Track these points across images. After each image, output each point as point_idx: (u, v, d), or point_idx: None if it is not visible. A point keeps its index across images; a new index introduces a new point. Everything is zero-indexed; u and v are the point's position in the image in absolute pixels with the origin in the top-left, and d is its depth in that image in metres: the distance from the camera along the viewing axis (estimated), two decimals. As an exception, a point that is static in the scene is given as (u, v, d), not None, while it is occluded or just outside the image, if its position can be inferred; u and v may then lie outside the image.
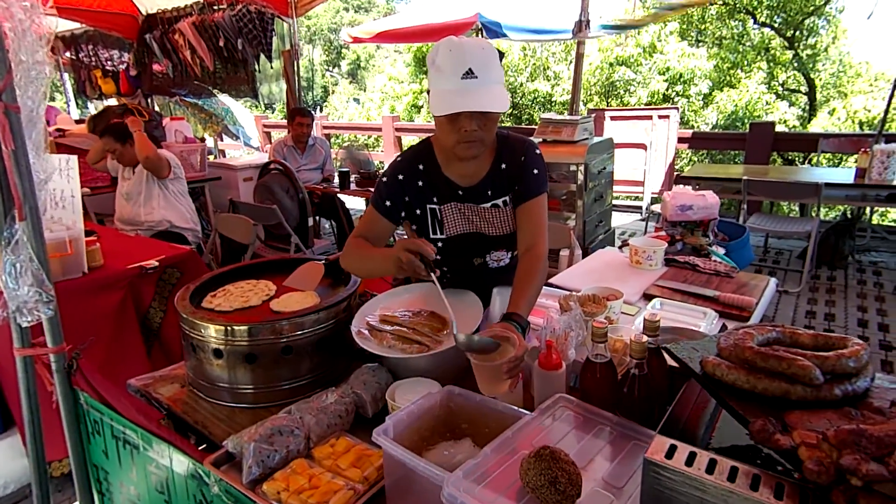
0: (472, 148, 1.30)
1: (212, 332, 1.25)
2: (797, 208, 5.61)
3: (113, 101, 7.31)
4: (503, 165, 1.43)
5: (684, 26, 9.94)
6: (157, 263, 2.11)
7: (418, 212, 1.44)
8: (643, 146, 5.57)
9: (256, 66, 5.69)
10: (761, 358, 0.68)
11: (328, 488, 0.93)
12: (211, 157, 6.60)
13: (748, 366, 0.69)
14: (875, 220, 5.14)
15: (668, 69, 8.28)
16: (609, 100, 9.02)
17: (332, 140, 9.89)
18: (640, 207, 5.66)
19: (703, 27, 10.26)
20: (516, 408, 0.98)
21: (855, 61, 10.74)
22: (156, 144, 3.44)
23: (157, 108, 6.87)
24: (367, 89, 18.63)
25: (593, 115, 5.88)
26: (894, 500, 0.48)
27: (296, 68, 5.31)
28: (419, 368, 1.21)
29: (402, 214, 1.44)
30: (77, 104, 8.27)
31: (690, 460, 0.60)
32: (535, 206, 1.41)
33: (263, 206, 3.21)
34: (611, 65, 8.50)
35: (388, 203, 1.41)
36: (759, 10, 9.81)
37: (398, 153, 1.52)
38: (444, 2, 4.81)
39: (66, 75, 7.62)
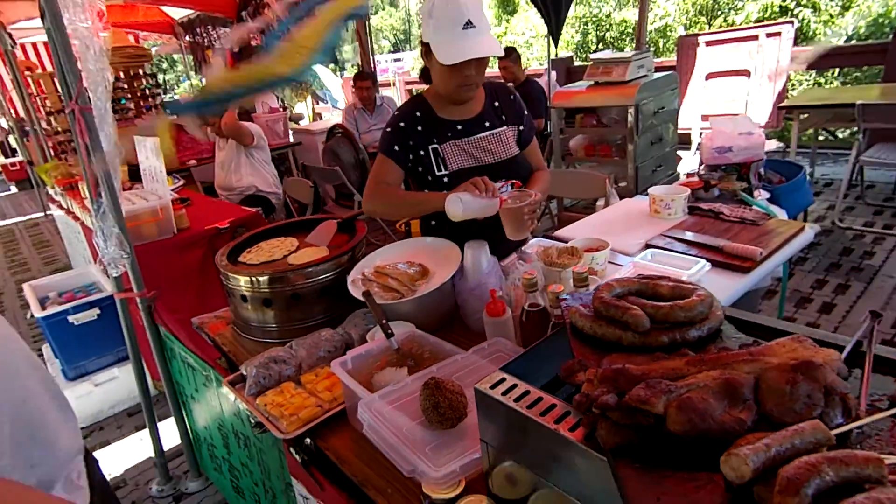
0: (471, 91, 1.50)
1: (240, 282, 1.52)
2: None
3: (223, 76, 8.12)
4: (496, 103, 1.62)
5: None
6: (228, 225, 2.48)
7: (422, 153, 1.58)
8: (746, 73, 4.92)
9: (336, 31, 5.98)
10: (605, 307, 0.73)
11: (301, 404, 1.15)
12: (304, 122, 7.15)
13: (596, 314, 0.75)
14: None
15: None
16: (709, 22, 7.87)
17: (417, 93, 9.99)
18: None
19: None
20: (458, 348, 1.11)
21: None
22: (246, 116, 3.85)
23: (257, 79, 7.51)
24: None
25: (682, 42, 5.33)
26: (623, 427, 0.55)
27: (367, 30, 5.47)
28: (399, 312, 1.37)
29: (410, 157, 1.58)
30: (200, 83, 9.33)
31: (509, 391, 0.70)
32: (535, 145, 1.71)
33: (329, 168, 3.50)
34: None
35: (396, 147, 1.57)
36: None
37: (402, 105, 1.67)
38: None
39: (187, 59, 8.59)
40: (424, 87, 1.65)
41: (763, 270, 1.44)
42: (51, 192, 4.04)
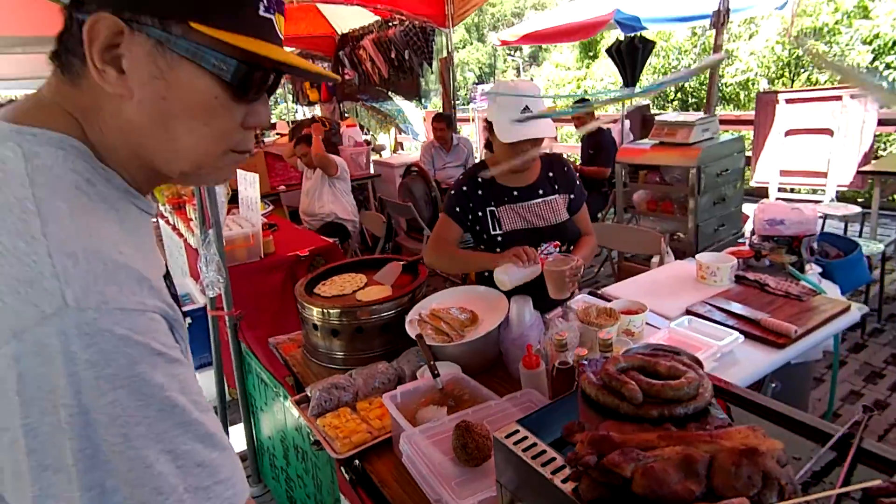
0: (527, 163, 1.70)
1: (313, 312, 1.76)
2: None
3: (318, 107, 8.92)
4: (550, 174, 1.80)
5: None
6: (307, 252, 2.79)
7: (480, 214, 1.78)
8: (829, 132, 4.75)
9: (421, 73, 6.44)
10: (609, 378, 0.87)
11: (355, 428, 1.34)
12: (384, 154, 7.65)
13: (602, 383, 0.89)
14: None
15: (876, 36, 6.61)
16: (792, 79, 7.61)
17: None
18: (820, 201, 4.87)
19: None
20: (494, 394, 1.26)
21: None
22: (333, 149, 4.26)
23: (345, 112, 8.18)
24: (536, 77, 18.74)
25: (760, 98, 5.23)
26: (601, 484, 0.68)
27: (451, 73, 5.84)
28: (447, 354, 1.54)
29: (469, 217, 1.78)
30: (294, 109, 10.28)
31: (520, 441, 0.85)
32: (584, 211, 1.87)
33: (403, 203, 3.79)
34: (795, 37, 7.13)
35: (457, 209, 1.78)
36: None
37: (466, 170, 1.87)
38: (581, 4, 4.80)
39: (287, 86, 9.51)
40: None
41: (800, 347, 1.48)
42: (161, 208, 4.63)
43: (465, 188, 1.77)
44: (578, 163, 4.88)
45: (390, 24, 6.29)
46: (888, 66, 6.85)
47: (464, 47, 25.83)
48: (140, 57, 0.50)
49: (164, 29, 0.50)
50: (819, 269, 1.88)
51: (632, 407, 0.82)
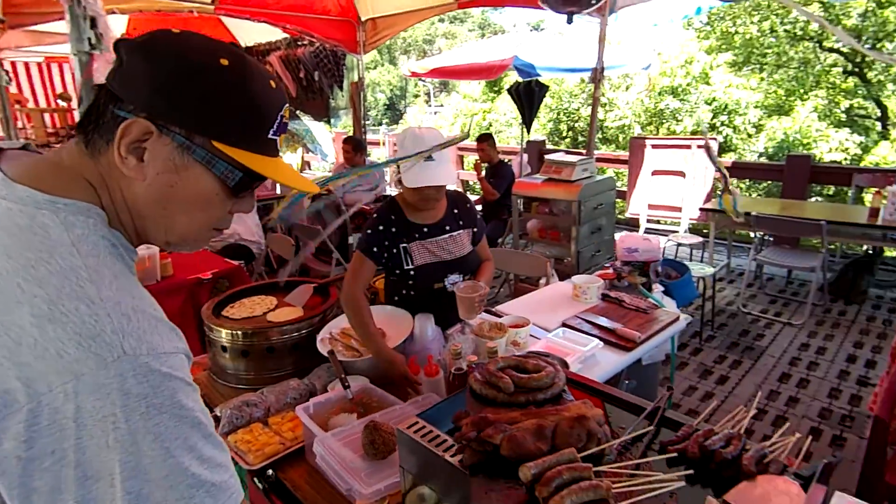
0: (430, 205, 1.88)
1: (221, 334, 1.81)
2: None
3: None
4: (455, 210, 1.99)
5: (739, 56, 9.75)
6: (210, 275, 2.77)
7: (394, 251, 1.91)
8: (682, 174, 5.63)
9: (331, 94, 6.52)
10: (488, 375, 1.09)
11: (266, 441, 1.43)
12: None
13: (484, 379, 1.11)
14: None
15: (714, 99, 8.14)
16: (656, 127, 8.99)
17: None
18: (678, 231, 5.71)
19: (761, 57, 9.95)
20: (400, 400, 1.44)
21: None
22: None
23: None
24: (445, 105, 19.62)
25: (633, 142, 6.04)
26: (479, 452, 0.89)
27: (361, 97, 6.01)
28: (357, 369, 1.69)
29: (385, 255, 1.91)
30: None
31: (419, 430, 1.03)
32: (484, 240, 2.07)
33: (311, 227, 3.86)
34: (659, 93, 8.50)
35: (374, 249, 1.89)
36: (826, 35, 9.35)
37: (378, 206, 1.99)
38: (487, 45, 5.31)
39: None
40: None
41: (644, 349, 1.84)
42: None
43: (380, 227, 1.88)
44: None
45: (299, 43, 6.29)
46: (723, 124, 8.41)
47: (375, 68, 26.18)
48: (160, 153, 0.61)
49: (188, 138, 0.61)
50: (662, 288, 2.31)
51: (505, 396, 1.05)
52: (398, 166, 1.82)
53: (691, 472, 0.89)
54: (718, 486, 0.92)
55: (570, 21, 2.13)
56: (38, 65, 7.08)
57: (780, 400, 2.95)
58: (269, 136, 0.67)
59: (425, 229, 1.91)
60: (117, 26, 5.48)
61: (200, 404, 0.61)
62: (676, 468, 0.94)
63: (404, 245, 1.89)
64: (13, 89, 6.57)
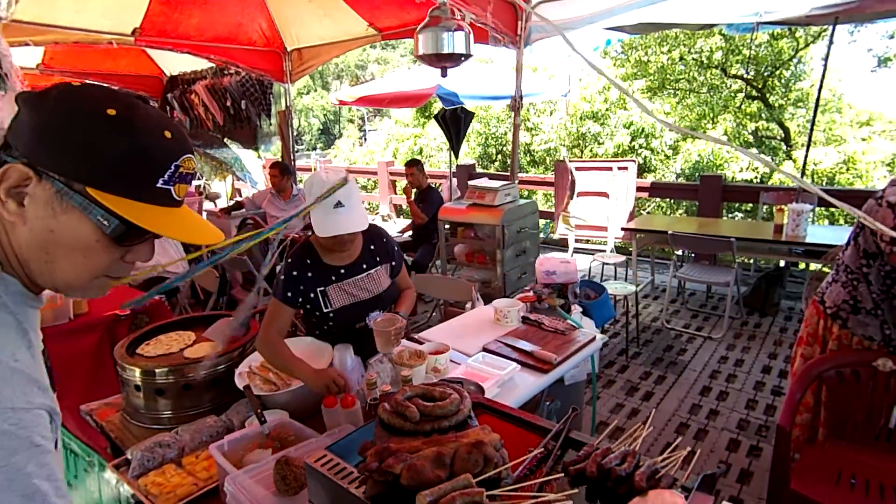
0: (346, 247, 1.86)
1: (135, 373, 1.74)
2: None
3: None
4: (372, 246, 1.99)
5: (654, 83, 10.66)
6: (129, 311, 2.65)
7: (311, 295, 1.88)
8: (605, 195, 6.00)
9: (259, 123, 6.46)
10: (395, 405, 1.13)
11: (180, 482, 1.39)
12: (219, 202, 7.34)
13: (393, 409, 1.15)
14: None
15: (631, 123, 8.83)
16: (580, 150, 9.61)
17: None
18: (605, 251, 6.04)
19: (674, 83, 10.94)
20: (317, 433, 1.44)
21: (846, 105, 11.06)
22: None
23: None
24: (378, 130, 19.81)
25: (558, 165, 6.37)
26: (381, 482, 0.92)
27: (289, 125, 5.99)
28: (277, 402, 1.68)
29: (300, 300, 1.88)
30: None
31: (326, 463, 1.05)
32: (403, 271, 2.09)
33: (238, 257, 3.76)
34: (581, 118, 9.11)
35: (289, 294, 1.85)
36: (730, 63, 10.40)
37: (293, 249, 1.94)
38: (413, 73, 5.47)
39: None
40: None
41: (562, 370, 1.94)
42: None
43: (295, 272, 1.85)
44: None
45: (225, 72, 6.23)
46: (641, 147, 9.09)
47: (308, 93, 25.97)
48: (40, 198, 0.63)
49: (65, 184, 0.63)
50: (580, 309, 2.45)
51: (412, 424, 1.09)
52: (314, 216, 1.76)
53: (582, 488, 0.97)
54: (614, 502, 0.99)
55: (444, 74, 2.28)
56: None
57: (702, 413, 3.08)
58: (159, 185, 0.67)
59: (342, 270, 1.90)
60: (32, 57, 5.20)
61: (49, 470, 0.59)
62: (581, 487, 1.02)
63: (321, 289, 1.88)
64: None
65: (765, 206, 5.08)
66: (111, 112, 0.64)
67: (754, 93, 10.95)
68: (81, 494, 1.87)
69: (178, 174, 0.69)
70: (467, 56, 2.05)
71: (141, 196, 0.66)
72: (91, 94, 0.65)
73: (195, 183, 6.65)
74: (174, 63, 6.61)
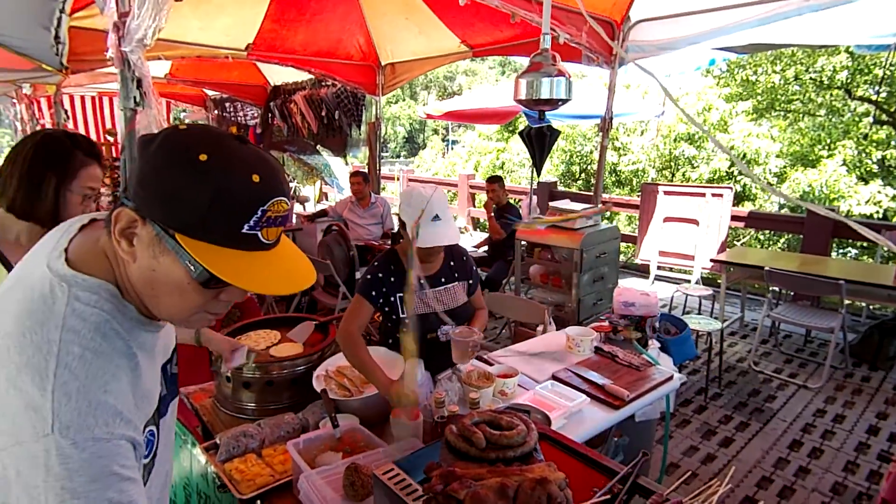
0: (433, 259, 1.99)
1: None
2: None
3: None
4: (452, 262, 2.08)
5: (761, 103, 9.78)
6: (224, 304, 2.89)
7: (392, 299, 2.00)
8: (695, 222, 5.67)
9: (349, 133, 6.82)
10: (463, 429, 1.16)
11: (259, 472, 1.51)
12: (308, 206, 7.82)
13: (459, 433, 1.17)
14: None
15: (732, 148, 8.18)
16: (672, 173, 9.06)
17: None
18: (690, 281, 5.71)
19: (786, 104, 9.96)
20: (384, 443, 1.50)
21: None
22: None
23: (272, 160, 8.29)
24: (461, 143, 20.12)
25: (645, 188, 6.11)
26: (451, 499, 0.95)
27: (377, 136, 6.27)
28: (348, 407, 1.77)
29: (381, 301, 2.00)
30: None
31: (393, 477, 1.10)
32: (478, 292, 2.18)
33: (322, 261, 4.00)
34: (675, 140, 8.60)
35: (372, 293, 1.98)
36: (856, 84, 9.29)
37: (378, 256, 2.06)
38: (500, 89, 5.52)
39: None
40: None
41: (632, 408, 1.87)
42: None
43: (380, 275, 1.98)
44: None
45: (323, 84, 6.67)
46: (741, 173, 8.39)
47: (396, 102, 26.98)
48: (144, 239, 0.69)
49: (163, 229, 0.67)
50: (658, 345, 2.34)
51: (477, 451, 1.11)
52: (402, 221, 1.89)
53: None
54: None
55: (541, 118, 2.28)
56: (92, 98, 7.63)
57: (789, 469, 2.80)
58: (245, 231, 0.67)
59: (422, 281, 1.99)
60: (161, 68, 5.90)
61: (128, 496, 0.62)
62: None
63: (401, 295, 1.98)
64: (70, 124, 7.07)
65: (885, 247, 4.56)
66: (202, 157, 0.65)
67: (884, 117, 9.80)
68: (175, 467, 2.08)
69: (265, 219, 0.68)
70: (565, 101, 2.05)
71: (225, 242, 0.68)
72: (188, 139, 0.68)
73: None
74: (278, 74, 7.17)
